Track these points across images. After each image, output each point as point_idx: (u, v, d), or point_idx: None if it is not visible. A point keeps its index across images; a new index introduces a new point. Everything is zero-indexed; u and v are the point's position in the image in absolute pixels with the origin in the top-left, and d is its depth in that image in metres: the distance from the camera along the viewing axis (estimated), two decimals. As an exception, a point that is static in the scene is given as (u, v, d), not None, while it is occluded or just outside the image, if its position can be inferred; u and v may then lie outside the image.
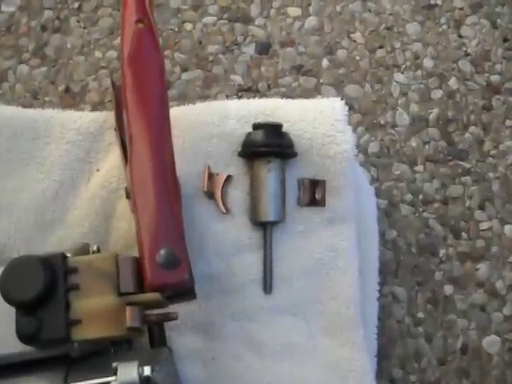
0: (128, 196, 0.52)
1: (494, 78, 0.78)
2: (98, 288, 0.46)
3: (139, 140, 0.51)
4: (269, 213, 0.56)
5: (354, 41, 0.79)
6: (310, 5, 0.80)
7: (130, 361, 0.45)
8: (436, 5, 0.81)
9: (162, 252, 0.46)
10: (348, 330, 0.57)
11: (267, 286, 0.57)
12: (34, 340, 0.44)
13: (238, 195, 0.59)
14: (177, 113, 0.60)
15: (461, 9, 0.81)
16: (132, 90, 0.52)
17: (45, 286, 0.44)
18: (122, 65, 0.53)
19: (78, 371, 0.47)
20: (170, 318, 0.48)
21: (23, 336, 0.44)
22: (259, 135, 0.56)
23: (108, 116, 0.62)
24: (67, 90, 0.76)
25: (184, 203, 0.54)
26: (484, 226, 0.73)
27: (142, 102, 0.52)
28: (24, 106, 0.65)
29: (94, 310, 0.45)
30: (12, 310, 0.45)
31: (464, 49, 0.80)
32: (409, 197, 0.74)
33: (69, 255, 0.47)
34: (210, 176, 0.58)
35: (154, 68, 0.53)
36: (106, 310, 0.45)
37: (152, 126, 0.51)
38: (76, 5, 0.79)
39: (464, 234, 0.73)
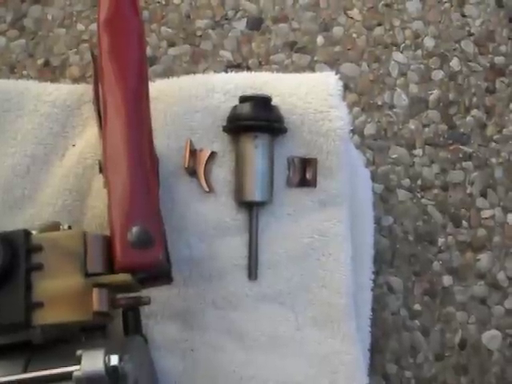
0: (101, 170, 0.48)
1: (499, 60, 0.74)
2: (64, 268, 0.42)
3: (114, 109, 0.47)
4: (255, 192, 0.52)
5: (351, 18, 0.75)
6: (305, -21, 0.76)
7: (96, 349, 0.40)
8: (438, -18, 0.77)
9: (134, 230, 0.43)
10: (339, 322, 0.53)
11: (252, 271, 0.53)
12: (-11, 324, 0.40)
13: (222, 173, 0.54)
14: (159, 86, 0.56)
15: (464, -14, 0.77)
16: (108, 55, 0.48)
17: (3, 265, 0.40)
18: (98, 29, 0.49)
19: (40, 360, 0.42)
20: (141, 302, 0.44)
21: (-23, 320, 0.40)
22: (246, 108, 0.52)
23: (86, 89, 0.58)
24: (46, 63, 0.72)
25: (164, 181, 0.50)
26: (486, 214, 0.69)
27: (119, 68, 0.48)
28: (0, 80, 0.61)
29: (58, 292, 0.41)
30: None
31: (467, 28, 0.76)
32: (406, 182, 0.70)
33: (34, 232, 0.43)
34: (193, 152, 0.54)
35: (132, 32, 0.49)
36: (71, 292, 0.41)
37: (128, 95, 0.47)
38: (58, -25, 0.75)
39: (464, 223, 0.69)
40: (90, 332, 0.46)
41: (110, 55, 0.48)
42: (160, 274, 0.45)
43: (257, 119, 0.52)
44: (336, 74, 0.56)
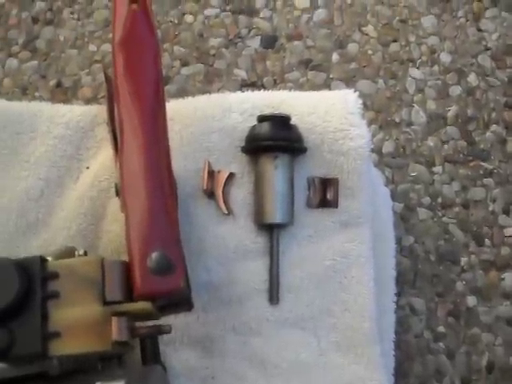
0: (118, 194, 0.47)
1: (517, 74, 0.73)
2: (81, 296, 0.40)
3: (131, 131, 0.45)
4: (275, 214, 0.51)
5: (366, 34, 0.74)
6: (318, -4, 0.75)
7: (116, 379, 0.39)
8: (453, -3, 0.76)
9: (154, 255, 0.41)
10: (363, 346, 0.52)
11: (274, 295, 0.51)
12: (5, 355, 0.38)
13: (241, 195, 0.53)
14: (174, 106, 0.55)
15: (479, 1, 0.76)
16: (124, 76, 0.47)
17: (19, 293, 0.38)
18: (113, 49, 0.48)
19: (57, 391, 0.41)
20: (162, 331, 0.42)
21: (-7, 351, 0.38)
22: (265, 128, 0.51)
23: (100, 110, 0.57)
24: (59, 84, 0.71)
25: (181, 203, 0.49)
26: (509, 231, 0.68)
27: (135, 90, 0.47)
28: (12, 102, 0.60)
29: (76, 322, 0.39)
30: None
31: (484, 43, 0.75)
32: (427, 200, 0.68)
33: (49, 259, 0.42)
34: (211, 174, 0.52)
35: (149, 53, 0.48)
36: (89, 321, 0.39)
37: (145, 117, 0.46)
38: (70, -4, 0.74)
39: (487, 241, 0.67)
40: (107, 361, 0.45)
41: (126, 76, 0.47)
42: (180, 301, 0.44)
43: (277, 139, 0.50)
44: (354, 91, 0.55)
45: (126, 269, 0.41)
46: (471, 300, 0.66)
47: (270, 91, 0.58)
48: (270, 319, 0.51)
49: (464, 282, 0.66)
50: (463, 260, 0.67)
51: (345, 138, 0.53)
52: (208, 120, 0.54)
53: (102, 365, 0.44)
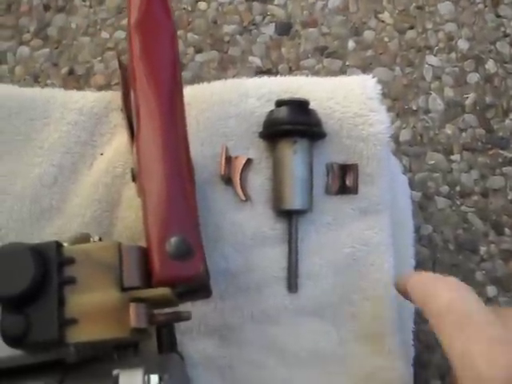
0: (134, 179, 0.46)
1: (536, 61, 0.71)
2: (98, 282, 0.39)
3: (148, 116, 0.44)
4: (294, 200, 0.50)
5: (382, 21, 0.73)
6: (334, -18, 0.73)
7: (134, 368, 0.38)
8: (471, -18, 0.74)
9: (173, 240, 0.40)
10: (383, 336, 0.51)
11: (292, 283, 0.50)
12: (21, 342, 0.37)
13: (258, 181, 0.52)
14: (190, 91, 0.54)
15: (498, -14, 0.74)
16: (140, 59, 0.46)
17: (35, 279, 0.38)
18: (129, 32, 0.47)
19: (74, 380, 0.40)
20: (181, 317, 0.41)
21: (9, 337, 0.37)
22: (283, 112, 0.50)
23: (114, 96, 0.56)
24: (71, 72, 0.70)
25: (198, 190, 0.48)
26: (529, 220, 0.66)
27: (152, 72, 0.46)
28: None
29: (93, 308, 0.38)
30: (-2, 307, 0.38)
31: (502, 29, 0.73)
32: (445, 189, 0.67)
33: (65, 244, 0.41)
34: (228, 159, 0.51)
35: (165, 35, 0.47)
36: (106, 307, 0.38)
37: (162, 99, 0.45)
38: (81, -18, 0.73)
39: (507, 230, 0.66)
40: (123, 349, 0.44)
41: (142, 58, 0.46)
42: (199, 287, 0.43)
43: (296, 123, 0.49)
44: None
45: (144, 254, 0.40)
46: (491, 290, 0.64)
47: (287, 77, 0.57)
48: (289, 307, 0.51)
49: (484, 272, 0.65)
50: (482, 249, 0.65)
51: (364, 124, 0.52)
52: (225, 105, 0.53)
53: (118, 353, 0.43)
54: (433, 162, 0.68)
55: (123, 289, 0.39)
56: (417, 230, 0.63)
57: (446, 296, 0.40)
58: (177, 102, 0.46)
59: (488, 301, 0.64)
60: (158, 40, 0.47)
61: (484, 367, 0.35)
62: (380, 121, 0.52)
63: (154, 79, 0.45)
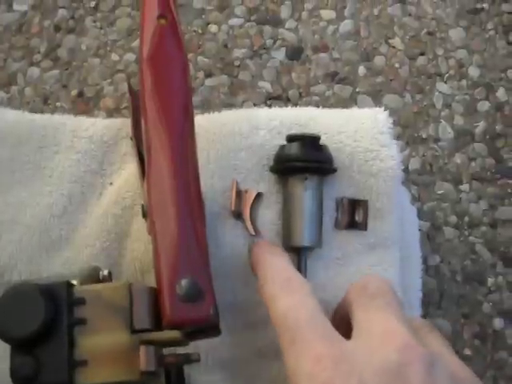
0: (145, 215, 0.46)
1: (547, 90, 0.71)
2: (108, 323, 0.39)
3: (159, 152, 0.44)
4: (304, 237, 0.50)
5: (393, 47, 0.73)
6: (345, 7, 0.73)
7: (142, 411, 0.38)
8: (482, 9, 0.74)
9: (184, 282, 0.40)
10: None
11: (300, 319, 0.50)
12: (31, 384, 0.37)
13: (268, 215, 0.52)
14: (200, 121, 0.53)
15: (509, 13, 0.74)
16: (152, 94, 0.46)
17: (45, 320, 0.38)
18: (141, 66, 0.47)
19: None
20: (190, 359, 0.41)
21: (18, 379, 0.37)
22: (295, 148, 0.50)
23: (123, 123, 0.56)
24: (80, 94, 0.70)
25: (208, 223, 0.48)
26: (538, 253, 0.66)
27: (163, 108, 0.46)
28: (33, 112, 0.59)
29: (103, 350, 0.38)
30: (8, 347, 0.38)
31: (513, 57, 0.73)
32: (453, 219, 0.67)
33: (75, 283, 0.41)
34: (238, 194, 0.51)
35: (177, 69, 0.47)
36: (116, 349, 0.38)
37: (174, 137, 0.45)
38: (92, 4, 0.73)
39: (515, 262, 0.66)
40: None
41: (154, 92, 0.46)
42: (209, 327, 0.43)
43: (307, 160, 0.49)
44: (378, 105, 0.54)
45: (154, 296, 0.40)
46: (498, 322, 0.64)
47: (298, 108, 0.57)
48: (297, 343, 0.50)
49: (491, 304, 0.64)
50: (490, 281, 0.65)
51: (375, 159, 0.52)
52: (235, 137, 0.53)
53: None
54: (442, 191, 0.68)
55: (133, 331, 0.39)
56: (424, 260, 0.63)
57: (284, 303, 0.39)
58: (189, 139, 0.46)
59: (494, 333, 0.63)
60: (170, 74, 0.47)
61: None
62: (391, 156, 0.52)
63: (166, 117, 0.45)
